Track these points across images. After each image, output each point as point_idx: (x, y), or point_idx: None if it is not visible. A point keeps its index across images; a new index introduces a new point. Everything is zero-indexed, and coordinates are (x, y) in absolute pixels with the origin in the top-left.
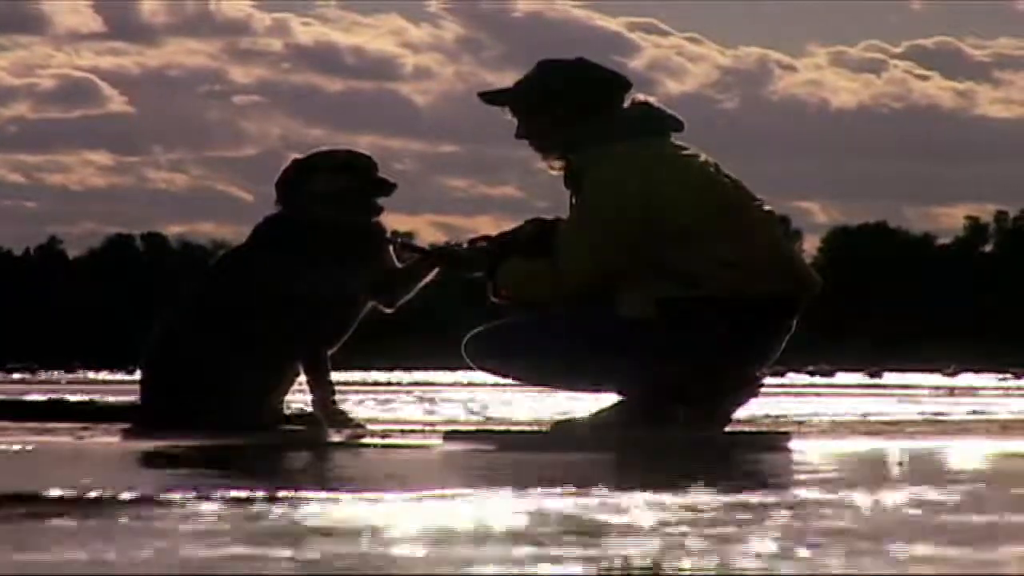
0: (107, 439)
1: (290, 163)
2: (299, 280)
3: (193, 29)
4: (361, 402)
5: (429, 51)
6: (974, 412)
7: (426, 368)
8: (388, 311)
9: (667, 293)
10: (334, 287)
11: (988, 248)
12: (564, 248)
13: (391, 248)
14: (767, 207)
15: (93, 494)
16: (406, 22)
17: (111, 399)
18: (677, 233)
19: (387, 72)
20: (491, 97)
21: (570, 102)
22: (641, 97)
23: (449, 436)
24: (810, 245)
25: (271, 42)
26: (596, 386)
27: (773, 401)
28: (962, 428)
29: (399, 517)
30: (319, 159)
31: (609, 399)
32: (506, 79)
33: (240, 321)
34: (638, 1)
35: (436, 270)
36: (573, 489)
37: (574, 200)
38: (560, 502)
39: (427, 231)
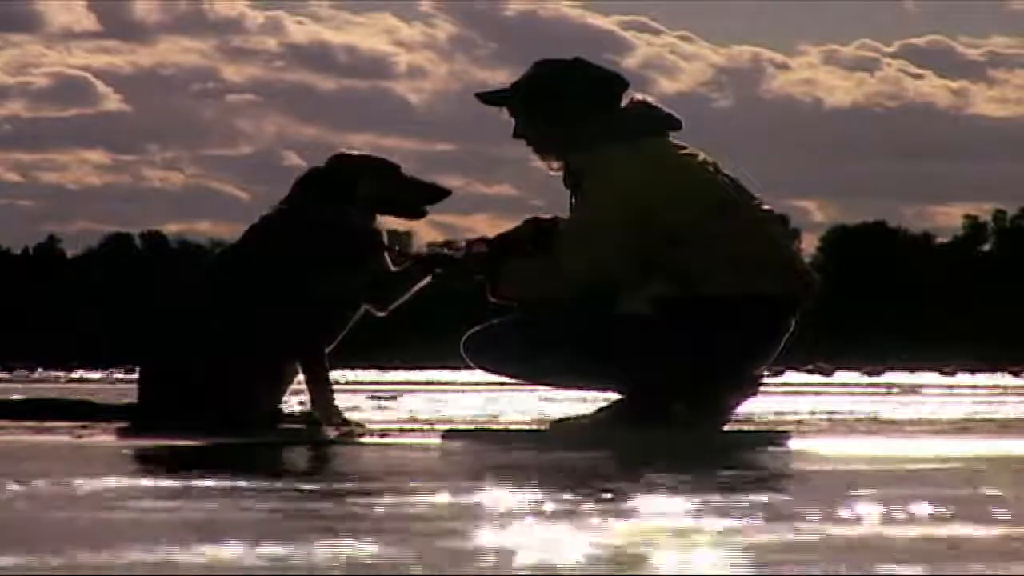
0: (105, 438)
1: (334, 161)
2: (298, 279)
3: (186, 27)
4: (362, 402)
5: (422, 49)
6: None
7: (425, 367)
8: (380, 314)
9: (665, 292)
10: (333, 287)
11: (987, 247)
12: (566, 249)
13: (387, 251)
14: (766, 206)
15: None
16: (398, 21)
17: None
18: (676, 232)
19: (381, 71)
20: (489, 97)
21: (568, 102)
22: (639, 96)
23: (448, 435)
24: (808, 244)
25: (264, 40)
26: (594, 385)
27: (772, 400)
28: (961, 427)
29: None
30: (364, 161)
31: (608, 398)
32: (499, 77)
33: (238, 320)
34: (629, 0)
35: (431, 274)
36: (571, 488)
37: (574, 200)
38: (558, 502)
39: (424, 230)
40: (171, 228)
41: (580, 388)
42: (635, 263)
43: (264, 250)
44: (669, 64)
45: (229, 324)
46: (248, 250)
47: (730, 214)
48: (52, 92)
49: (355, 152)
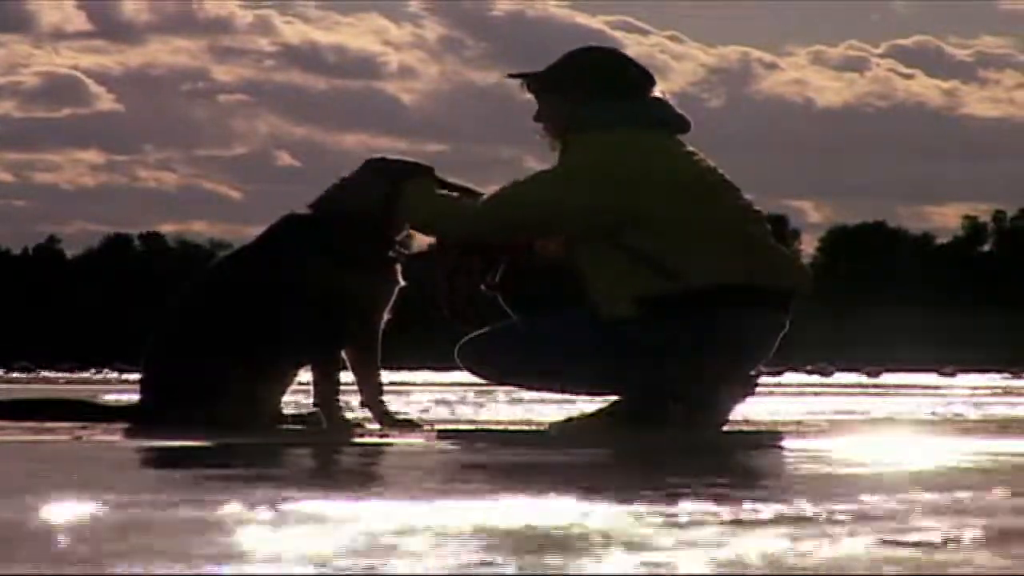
0: (106, 438)
1: (370, 167)
2: (320, 281)
3: (176, 27)
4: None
5: (412, 50)
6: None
7: (423, 368)
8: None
9: (643, 289)
10: (356, 289)
11: (987, 247)
12: (496, 193)
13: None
14: (756, 207)
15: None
16: (387, 21)
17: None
18: (656, 224)
19: (371, 71)
20: (518, 75)
21: (585, 77)
22: (656, 93)
23: (444, 435)
24: (807, 244)
25: (254, 40)
26: (591, 388)
27: (771, 401)
28: (960, 427)
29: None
30: (404, 167)
31: (606, 399)
32: (491, 77)
33: (240, 321)
34: (615, 0)
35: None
36: (571, 489)
37: None
38: (557, 502)
39: None
40: (166, 228)
41: (577, 392)
42: (603, 250)
43: (286, 251)
44: (660, 64)
45: (231, 324)
46: (267, 250)
47: (714, 210)
48: (44, 92)
49: (390, 157)
